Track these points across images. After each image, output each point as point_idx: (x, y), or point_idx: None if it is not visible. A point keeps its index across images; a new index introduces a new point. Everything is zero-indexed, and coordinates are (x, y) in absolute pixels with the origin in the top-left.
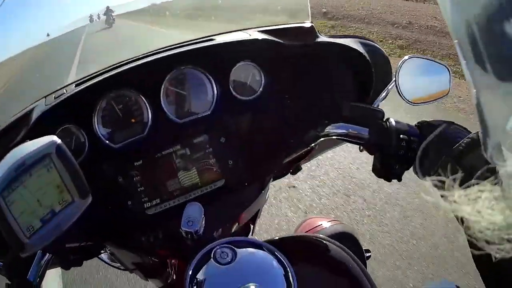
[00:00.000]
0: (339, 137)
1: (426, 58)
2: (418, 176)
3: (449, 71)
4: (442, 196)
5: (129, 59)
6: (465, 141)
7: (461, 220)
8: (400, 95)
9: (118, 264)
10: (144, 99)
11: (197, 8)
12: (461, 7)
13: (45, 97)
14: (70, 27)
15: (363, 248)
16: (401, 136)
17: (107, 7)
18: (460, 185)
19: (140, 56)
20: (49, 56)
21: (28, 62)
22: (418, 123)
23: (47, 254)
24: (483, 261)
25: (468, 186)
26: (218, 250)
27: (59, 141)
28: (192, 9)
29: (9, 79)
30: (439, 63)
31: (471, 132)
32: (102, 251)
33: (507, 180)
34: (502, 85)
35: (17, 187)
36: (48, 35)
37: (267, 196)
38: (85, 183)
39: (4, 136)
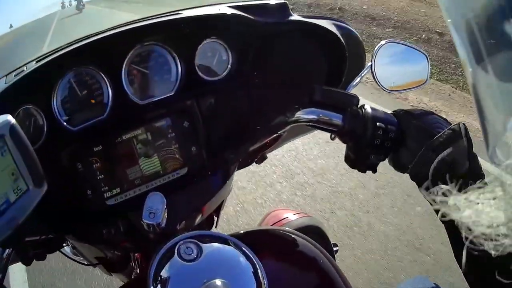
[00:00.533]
0: (310, 124)
1: (404, 44)
2: (395, 168)
3: (427, 60)
4: (441, 202)
5: (92, 34)
6: (446, 133)
7: (453, 223)
8: (376, 82)
9: (81, 258)
10: (105, 78)
11: None
12: (461, 7)
13: (5, 75)
14: (43, 12)
15: (331, 242)
16: (377, 124)
17: None
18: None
19: (103, 30)
20: (23, 40)
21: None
22: (394, 111)
23: (7, 250)
24: (471, 260)
25: (465, 191)
26: (183, 245)
27: (13, 120)
28: None
29: None
30: (418, 50)
31: (451, 124)
32: (64, 244)
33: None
34: (502, 85)
35: None
36: (11, 26)
37: (231, 186)
38: (40, 170)
39: None
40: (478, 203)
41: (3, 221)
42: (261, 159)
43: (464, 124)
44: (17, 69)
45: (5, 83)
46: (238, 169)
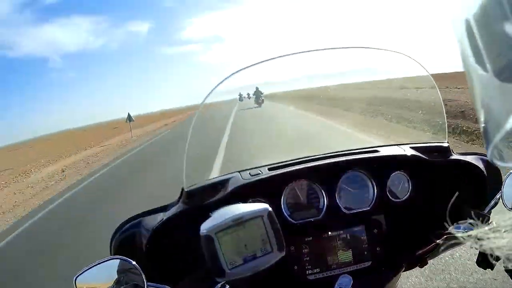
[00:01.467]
0: (456, 236)
1: None
2: None
3: None
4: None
5: (312, 156)
6: None
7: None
8: (504, 205)
9: None
10: (322, 191)
11: (334, 98)
12: (461, 7)
13: (239, 172)
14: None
15: None
16: None
17: (257, 88)
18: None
19: (321, 156)
20: (212, 117)
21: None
22: None
23: (227, 285)
24: None
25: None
26: None
27: (270, 209)
28: (332, 98)
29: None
30: None
31: None
32: None
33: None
34: (502, 85)
35: (231, 232)
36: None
37: (397, 283)
38: (283, 241)
39: (199, 193)
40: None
41: (247, 266)
42: (423, 263)
43: None
44: (251, 169)
45: (242, 178)
46: (404, 270)
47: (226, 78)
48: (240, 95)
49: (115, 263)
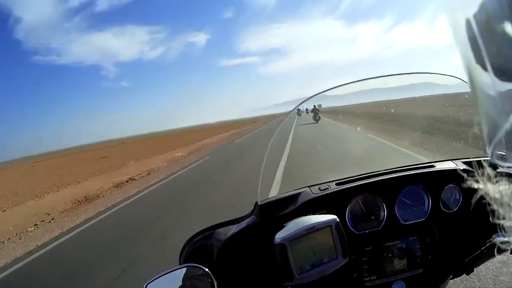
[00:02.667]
0: (500, 244)
1: None
2: None
3: None
4: None
5: (374, 172)
6: None
7: None
8: None
9: None
10: (383, 204)
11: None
12: (462, 7)
13: (309, 186)
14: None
15: None
16: None
17: (314, 106)
18: None
19: (382, 172)
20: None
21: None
22: None
23: None
24: None
25: None
26: None
27: (338, 219)
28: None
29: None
30: None
31: None
32: None
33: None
34: (503, 85)
35: (302, 241)
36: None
37: None
38: (347, 249)
39: (272, 207)
40: None
41: (314, 271)
42: (470, 271)
43: None
44: (320, 184)
45: (313, 193)
46: (452, 278)
47: (308, 98)
48: (299, 109)
49: (184, 272)
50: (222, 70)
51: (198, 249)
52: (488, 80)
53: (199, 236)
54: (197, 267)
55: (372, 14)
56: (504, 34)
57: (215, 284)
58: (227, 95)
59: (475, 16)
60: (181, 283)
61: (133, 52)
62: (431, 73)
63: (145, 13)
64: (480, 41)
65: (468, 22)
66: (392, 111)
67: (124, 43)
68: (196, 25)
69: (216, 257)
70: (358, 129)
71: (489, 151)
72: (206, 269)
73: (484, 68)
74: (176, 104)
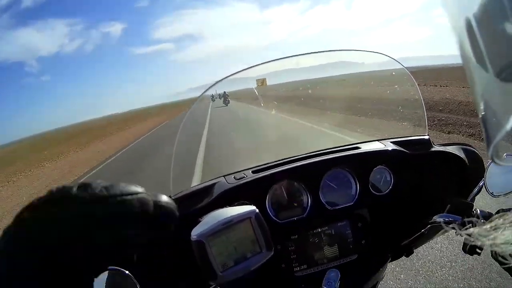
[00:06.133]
0: (441, 224)
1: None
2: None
3: None
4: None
5: (294, 156)
6: None
7: (497, 255)
8: (487, 191)
9: None
10: (306, 190)
11: (294, 96)
12: (461, 7)
13: (224, 176)
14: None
15: None
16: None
17: (224, 92)
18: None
19: (303, 156)
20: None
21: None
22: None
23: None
24: None
25: (490, 220)
26: None
27: (257, 210)
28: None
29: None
30: None
31: None
32: None
33: None
34: (503, 85)
35: (220, 236)
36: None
37: (384, 274)
38: (271, 240)
39: (186, 200)
40: (503, 228)
41: (238, 268)
42: (409, 253)
43: None
44: (235, 173)
45: (228, 183)
46: (391, 261)
47: (215, 84)
48: (213, 95)
49: (105, 276)
50: (137, 58)
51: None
52: (488, 79)
53: None
54: (118, 270)
55: None
56: (504, 34)
57: (138, 286)
58: (141, 83)
59: (475, 16)
60: None
61: (53, 46)
62: (356, 50)
63: (64, 5)
64: (480, 41)
65: (468, 22)
66: (309, 91)
67: (46, 38)
68: (112, 14)
69: (135, 258)
70: (273, 112)
71: (489, 151)
72: (127, 272)
73: (485, 67)
74: (89, 96)
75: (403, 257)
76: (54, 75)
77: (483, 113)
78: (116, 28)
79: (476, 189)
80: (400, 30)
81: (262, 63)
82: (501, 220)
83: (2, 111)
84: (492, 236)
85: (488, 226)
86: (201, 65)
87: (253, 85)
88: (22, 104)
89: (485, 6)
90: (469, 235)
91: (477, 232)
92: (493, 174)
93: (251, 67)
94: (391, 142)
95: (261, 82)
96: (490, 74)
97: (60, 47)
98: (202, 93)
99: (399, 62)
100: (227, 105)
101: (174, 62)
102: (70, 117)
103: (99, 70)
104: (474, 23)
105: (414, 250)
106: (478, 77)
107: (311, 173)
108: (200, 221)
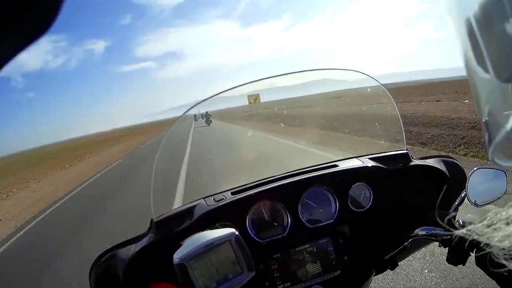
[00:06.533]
0: (425, 237)
1: (488, 168)
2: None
3: (506, 175)
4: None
5: (273, 177)
6: None
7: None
8: (469, 201)
9: None
10: (285, 209)
11: (276, 115)
12: (462, 7)
13: (203, 198)
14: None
15: None
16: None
17: (206, 112)
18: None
19: (282, 176)
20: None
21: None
22: None
23: None
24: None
25: (484, 217)
26: None
27: (237, 233)
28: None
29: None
30: (498, 169)
31: None
32: None
33: None
34: (503, 86)
35: (202, 258)
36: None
37: (369, 287)
38: (252, 261)
39: (168, 223)
40: (496, 225)
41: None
42: (393, 266)
43: None
44: (215, 194)
45: (208, 205)
46: (375, 274)
47: (193, 106)
48: (195, 115)
49: None
50: (119, 76)
51: (104, 272)
52: (489, 80)
53: (105, 257)
54: None
55: (270, 15)
56: (504, 34)
57: None
58: (123, 102)
59: (475, 16)
60: None
61: (38, 62)
62: (334, 69)
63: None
64: (481, 42)
65: (468, 22)
66: (284, 112)
67: (31, 54)
68: (95, 32)
69: (122, 279)
70: (249, 134)
71: (489, 151)
72: None
73: (485, 68)
74: (72, 113)
75: (389, 270)
76: (37, 92)
77: (484, 114)
78: (99, 46)
79: (458, 200)
80: (384, 46)
81: (239, 85)
82: (496, 217)
83: None
84: (487, 232)
85: (485, 223)
86: (183, 83)
87: (234, 104)
88: None
89: (485, 6)
90: (466, 233)
91: (473, 230)
92: (475, 184)
93: (226, 90)
94: (369, 158)
95: (254, 98)
96: (491, 75)
97: (44, 63)
98: (182, 115)
99: (375, 80)
100: (209, 125)
101: (155, 80)
102: (46, 137)
103: (81, 88)
104: (474, 24)
105: (399, 263)
106: (479, 77)
107: (289, 192)
108: (182, 244)
